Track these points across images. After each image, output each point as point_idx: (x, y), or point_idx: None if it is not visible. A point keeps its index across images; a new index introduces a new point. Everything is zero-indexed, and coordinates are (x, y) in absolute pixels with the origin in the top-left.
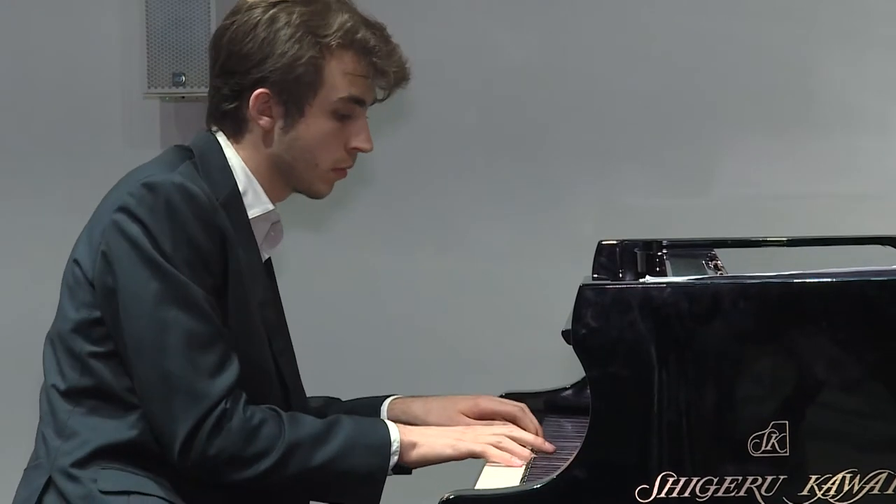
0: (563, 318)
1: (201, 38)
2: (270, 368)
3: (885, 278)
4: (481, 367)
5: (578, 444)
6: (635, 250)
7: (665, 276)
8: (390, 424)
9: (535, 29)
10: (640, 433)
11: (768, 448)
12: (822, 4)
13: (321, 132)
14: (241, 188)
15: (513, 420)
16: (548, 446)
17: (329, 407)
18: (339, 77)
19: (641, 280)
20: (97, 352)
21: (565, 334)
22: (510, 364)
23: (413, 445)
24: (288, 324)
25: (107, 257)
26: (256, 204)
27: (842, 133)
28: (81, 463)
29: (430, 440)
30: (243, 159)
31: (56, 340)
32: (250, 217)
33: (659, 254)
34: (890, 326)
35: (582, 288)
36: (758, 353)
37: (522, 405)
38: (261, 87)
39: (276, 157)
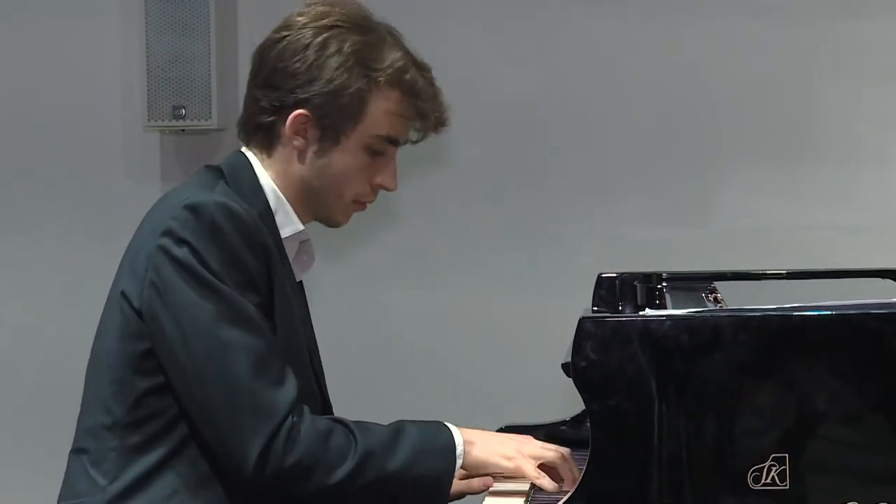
0: (563, 350)
1: (201, 72)
2: (313, 385)
3: (886, 311)
4: (481, 399)
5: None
6: (635, 283)
7: (665, 308)
8: (451, 427)
9: (536, 62)
10: (640, 466)
11: (768, 481)
12: (822, 37)
13: (351, 164)
14: (272, 207)
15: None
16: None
17: None
18: (381, 114)
19: (641, 313)
20: (149, 385)
21: (565, 367)
22: (510, 396)
23: (472, 444)
24: None
25: (156, 285)
26: (287, 223)
27: (842, 166)
28: None
29: (489, 445)
30: (272, 177)
31: (101, 375)
32: (282, 237)
33: (659, 286)
34: (890, 359)
35: (582, 320)
36: (757, 385)
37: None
38: (302, 107)
39: (304, 180)
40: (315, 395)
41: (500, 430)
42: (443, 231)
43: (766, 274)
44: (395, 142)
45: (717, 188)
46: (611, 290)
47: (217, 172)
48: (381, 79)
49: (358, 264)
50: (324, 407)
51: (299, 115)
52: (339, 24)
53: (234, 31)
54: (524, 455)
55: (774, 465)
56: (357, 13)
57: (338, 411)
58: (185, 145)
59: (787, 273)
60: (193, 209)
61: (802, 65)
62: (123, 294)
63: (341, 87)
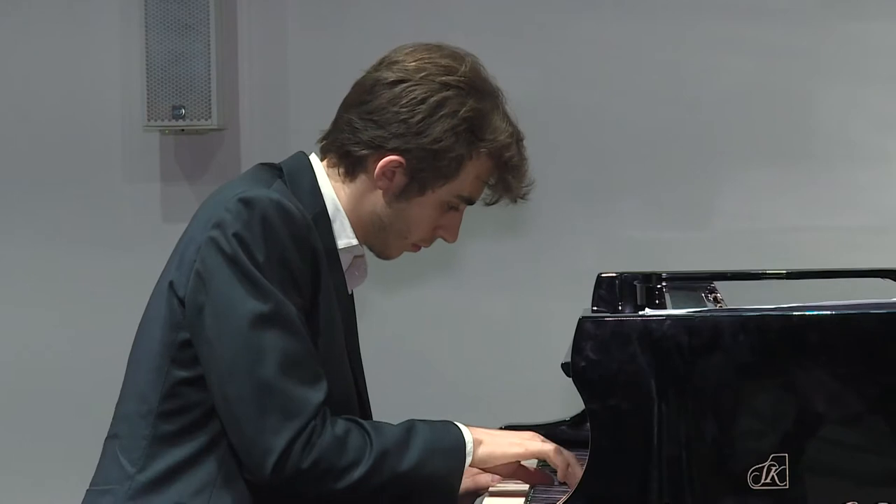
0: (563, 350)
1: (201, 72)
2: (352, 393)
3: (885, 311)
4: (481, 399)
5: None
6: (635, 283)
7: (664, 308)
8: (461, 425)
9: (536, 64)
10: (640, 466)
11: (768, 481)
12: (822, 39)
13: (427, 215)
14: (329, 214)
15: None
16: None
17: None
18: (471, 178)
19: (641, 312)
20: (185, 377)
21: (565, 367)
22: (510, 396)
23: (480, 443)
24: None
25: (201, 274)
26: (342, 235)
27: (841, 167)
28: (157, 496)
29: (496, 439)
30: (339, 194)
31: (141, 363)
32: (338, 246)
33: (658, 286)
34: (889, 359)
35: (581, 320)
36: (757, 385)
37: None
38: (399, 155)
39: (375, 214)
40: (353, 403)
41: (500, 430)
42: None
43: (766, 274)
44: (470, 202)
45: (716, 189)
46: (610, 290)
47: (276, 171)
48: (483, 150)
49: None
50: (363, 416)
51: (393, 160)
52: (461, 85)
53: (234, 30)
54: (535, 439)
55: (774, 465)
56: (478, 75)
57: None
58: (184, 145)
59: (787, 273)
60: (247, 203)
61: (802, 66)
62: (171, 284)
63: (445, 149)
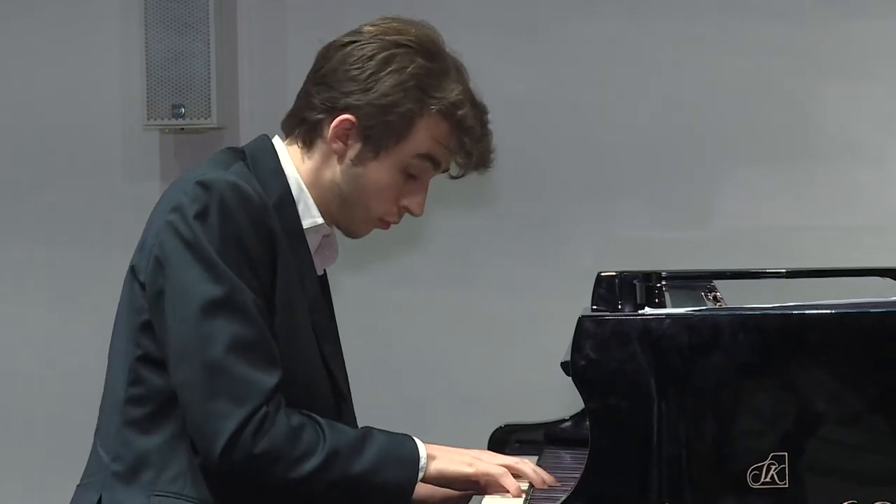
0: (563, 349)
1: (201, 70)
2: (321, 373)
3: (885, 310)
4: (481, 398)
5: (578, 475)
6: (634, 282)
7: (664, 307)
8: (416, 440)
9: (534, 63)
10: (640, 465)
11: (767, 480)
12: (822, 39)
13: (385, 181)
14: (294, 195)
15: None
16: (549, 480)
17: None
18: (426, 139)
19: (641, 311)
20: (146, 361)
21: (564, 366)
22: (510, 396)
23: (433, 458)
24: None
25: (159, 259)
26: (307, 215)
27: (841, 166)
28: (131, 485)
29: (448, 455)
30: (301, 171)
31: (113, 352)
32: (303, 227)
33: (658, 285)
34: (889, 359)
35: (581, 319)
36: (757, 384)
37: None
38: (350, 113)
39: (335, 183)
40: (318, 383)
41: (500, 429)
42: (443, 232)
43: (765, 273)
44: (435, 162)
45: (716, 188)
46: (610, 289)
47: (238, 153)
48: (433, 107)
49: (357, 264)
50: (336, 398)
51: (345, 119)
52: (409, 44)
53: (234, 29)
54: (484, 459)
55: (774, 464)
56: (430, 39)
57: None
58: (184, 144)
59: (786, 272)
60: (204, 186)
61: (802, 66)
62: (133, 268)
63: (393, 104)
